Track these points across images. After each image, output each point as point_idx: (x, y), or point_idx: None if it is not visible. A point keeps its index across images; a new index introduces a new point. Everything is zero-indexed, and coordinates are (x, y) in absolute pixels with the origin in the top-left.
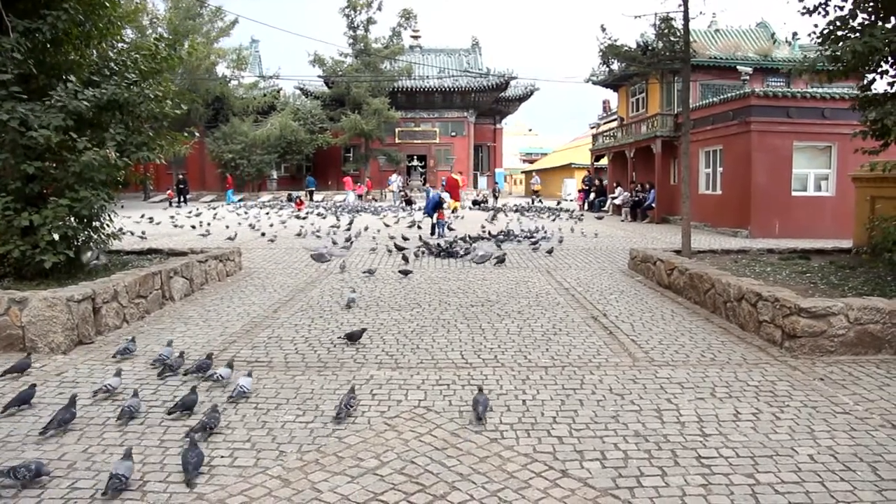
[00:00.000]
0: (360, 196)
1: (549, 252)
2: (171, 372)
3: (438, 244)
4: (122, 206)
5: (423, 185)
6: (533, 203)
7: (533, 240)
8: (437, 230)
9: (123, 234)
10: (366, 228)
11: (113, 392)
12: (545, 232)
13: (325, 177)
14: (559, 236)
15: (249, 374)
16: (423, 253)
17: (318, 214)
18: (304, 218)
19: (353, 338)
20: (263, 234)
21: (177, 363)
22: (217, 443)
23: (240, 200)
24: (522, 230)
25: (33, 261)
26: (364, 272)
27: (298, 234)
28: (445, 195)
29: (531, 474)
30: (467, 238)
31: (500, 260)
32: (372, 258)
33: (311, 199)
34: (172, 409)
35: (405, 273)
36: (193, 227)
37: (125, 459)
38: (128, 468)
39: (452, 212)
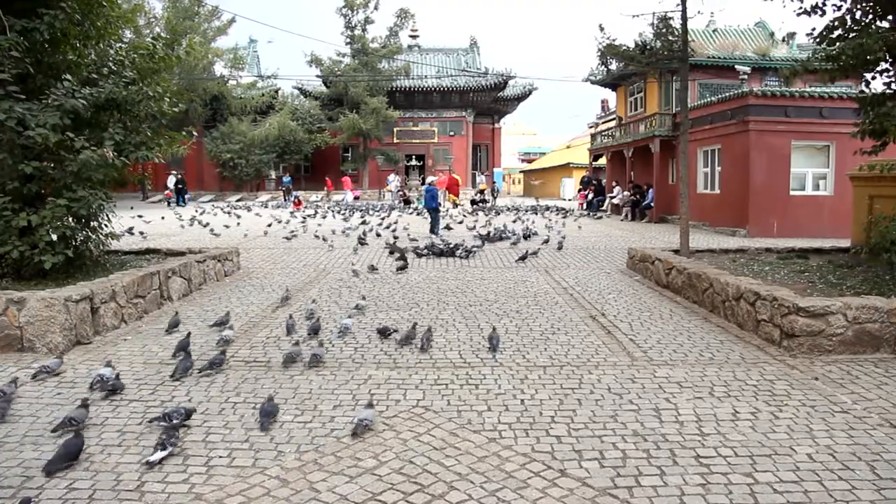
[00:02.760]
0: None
1: (560, 248)
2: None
3: (433, 244)
4: (132, 208)
5: (422, 184)
6: (478, 202)
7: (545, 238)
8: (436, 229)
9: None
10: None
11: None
12: (548, 230)
13: (324, 176)
14: (557, 234)
15: (350, 316)
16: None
17: (355, 216)
18: (311, 217)
19: (385, 333)
20: (265, 233)
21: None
22: (215, 443)
23: (191, 199)
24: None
25: (32, 261)
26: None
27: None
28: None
29: (529, 474)
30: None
31: (523, 257)
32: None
33: (285, 197)
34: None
35: (402, 269)
36: (207, 224)
37: (368, 408)
38: (370, 414)
39: (454, 206)
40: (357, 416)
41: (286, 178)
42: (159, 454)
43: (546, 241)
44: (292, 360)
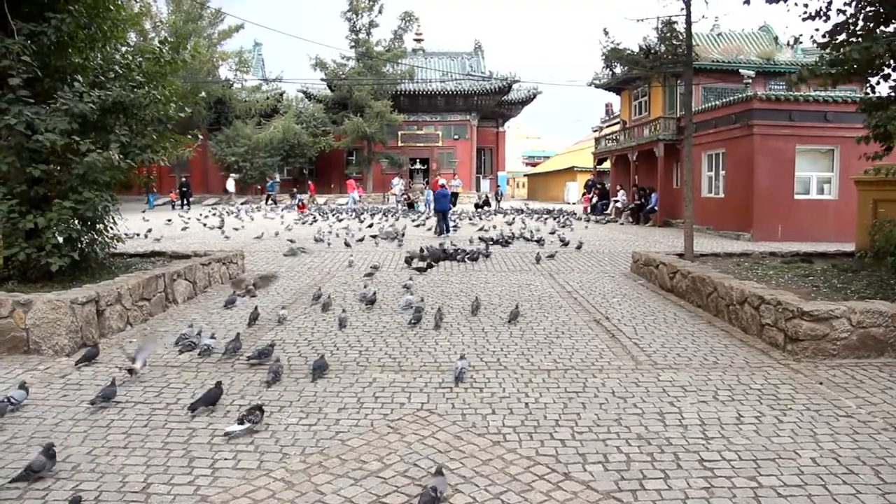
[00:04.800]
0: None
1: (579, 247)
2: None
3: (442, 246)
4: (144, 211)
5: (426, 187)
6: (481, 206)
7: (564, 241)
8: (441, 228)
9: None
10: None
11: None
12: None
13: (328, 180)
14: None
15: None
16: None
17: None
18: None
19: (417, 319)
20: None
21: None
22: (220, 445)
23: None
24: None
25: (38, 263)
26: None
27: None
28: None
29: (534, 477)
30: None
31: (537, 259)
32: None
33: (274, 202)
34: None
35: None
36: (219, 227)
37: (461, 360)
38: (464, 364)
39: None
40: (455, 366)
41: (269, 183)
42: (237, 427)
43: (566, 244)
44: (415, 312)
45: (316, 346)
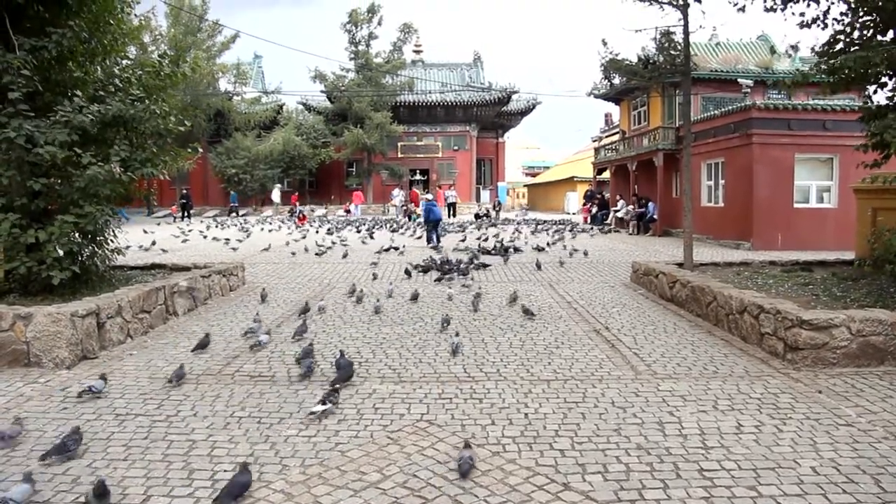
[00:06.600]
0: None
1: (585, 254)
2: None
3: (440, 260)
4: (159, 224)
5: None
6: (482, 216)
7: (571, 250)
8: (433, 239)
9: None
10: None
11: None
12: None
13: (328, 191)
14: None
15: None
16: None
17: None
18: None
19: (447, 322)
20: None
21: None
22: (220, 457)
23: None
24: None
25: (39, 276)
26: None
27: None
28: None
29: (533, 487)
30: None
31: (538, 266)
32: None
33: (238, 215)
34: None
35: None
36: (228, 240)
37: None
38: (462, 345)
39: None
40: (452, 342)
41: (233, 195)
42: (321, 407)
43: (572, 254)
44: (443, 320)
45: (315, 356)
